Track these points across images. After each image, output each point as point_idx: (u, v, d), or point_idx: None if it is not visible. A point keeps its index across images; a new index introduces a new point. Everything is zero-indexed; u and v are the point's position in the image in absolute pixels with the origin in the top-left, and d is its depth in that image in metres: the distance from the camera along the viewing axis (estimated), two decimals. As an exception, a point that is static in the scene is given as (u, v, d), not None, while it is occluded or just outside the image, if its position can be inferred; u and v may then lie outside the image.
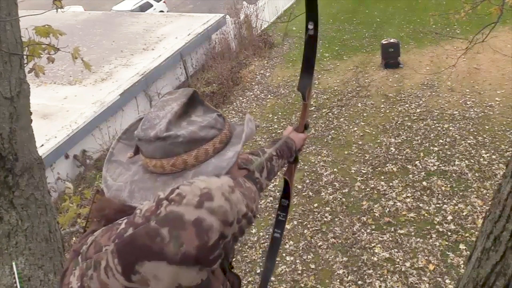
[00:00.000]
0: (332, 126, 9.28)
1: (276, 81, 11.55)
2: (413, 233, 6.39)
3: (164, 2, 18.77)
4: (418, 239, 6.27)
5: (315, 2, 1.55)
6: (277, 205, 1.86)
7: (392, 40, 11.15)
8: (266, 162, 1.62)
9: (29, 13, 2.91)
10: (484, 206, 6.62)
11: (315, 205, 7.21)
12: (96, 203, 1.06)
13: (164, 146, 0.98)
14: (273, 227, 1.85)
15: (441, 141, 8.29)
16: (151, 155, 1.00)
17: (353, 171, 7.83)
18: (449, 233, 6.29)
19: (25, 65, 2.31)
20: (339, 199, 7.26)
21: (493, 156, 7.69)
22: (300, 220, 6.95)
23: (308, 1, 1.56)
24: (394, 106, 9.63)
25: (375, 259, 6.07)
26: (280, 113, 10.09)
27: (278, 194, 7.57)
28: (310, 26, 1.61)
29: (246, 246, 6.64)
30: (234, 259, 6.63)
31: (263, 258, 6.38)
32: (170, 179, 0.99)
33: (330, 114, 9.73)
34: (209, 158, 1.02)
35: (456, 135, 8.38)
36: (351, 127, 9.15)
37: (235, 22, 13.41)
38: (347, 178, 7.70)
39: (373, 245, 6.30)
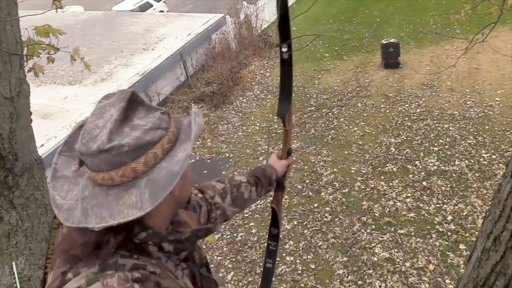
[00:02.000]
0: (332, 126, 9.28)
1: (276, 81, 11.54)
2: (413, 233, 6.39)
3: (164, 2, 18.77)
4: (418, 239, 6.27)
5: (287, 24, 1.47)
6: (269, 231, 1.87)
7: (392, 40, 11.15)
8: (232, 189, 1.60)
9: (29, 13, 2.91)
10: (484, 206, 6.62)
11: (315, 205, 7.20)
12: (59, 242, 1.03)
13: (109, 158, 0.93)
14: (264, 257, 1.82)
15: (441, 141, 8.29)
16: (97, 169, 0.96)
17: (353, 171, 7.83)
18: (449, 233, 6.29)
19: (25, 65, 2.31)
20: (339, 199, 7.26)
21: (493, 156, 7.69)
22: (300, 220, 6.95)
23: (280, 23, 1.46)
24: (394, 106, 9.63)
25: (375, 259, 6.07)
26: (280, 113, 10.08)
27: (278, 194, 7.56)
28: (284, 49, 1.52)
29: (246, 246, 6.64)
30: (234, 259, 6.64)
31: (263, 258, 6.38)
32: (122, 191, 0.95)
33: (330, 114, 9.73)
34: (160, 161, 0.98)
35: (456, 135, 8.38)
36: (351, 127, 9.15)
37: (235, 22, 13.41)
38: (347, 178, 7.70)
39: (373, 245, 6.30)
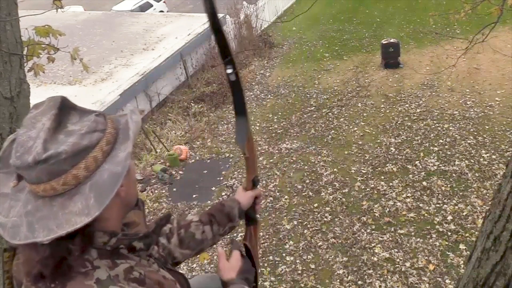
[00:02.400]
0: (332, 126, 9.28)
1: (276, 81, 11.55)
2: (413, 233, 6.38)
3: (164, 2, 18.77)
4: (418, 239, 6.27)
5: (227, 45, 1.39)
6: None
7: (392, 40, 11.15)
8: (179, 230, 1.48)
9: (29, 13, 2.91)
10: (484, 206, 6.62)
11: (315, 205, 7.20)
12: (23, 265, 1.01)
13: (47, 168, 0.91)
14: None
15: (441, 141, 8.29)
16: (36, 181, 0.93)
17: (353, 171, 7.83)
18: (449, 233, 6.29)
19: (25, 65, 2.31)
20: (339, 199, 7.26)
21: (493, 156, 7.69)
22: (300, 220, 6.95)
23: (220, 46, 1.39)
24: (394, 106, 9.63)
25: (375, 259, 6.06)
26: (280, 113, 10.09)
27: (278, 194, 7.57)
28: (229, 71, 1.41)
29: (246, 246, 6.64)
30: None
31: (263, 258, 6.38)
32: (66, 199, 0.93)
33: (330, 114, 9.73)
34: (101, 164, 0.96)
35: (456, 135, 8.38)
36: (351, 127, 9.15)
37: (235, 22, 13.41)
38: (347, 178, 7.70)
39: (373, 245, 6.29)
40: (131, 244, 1.06)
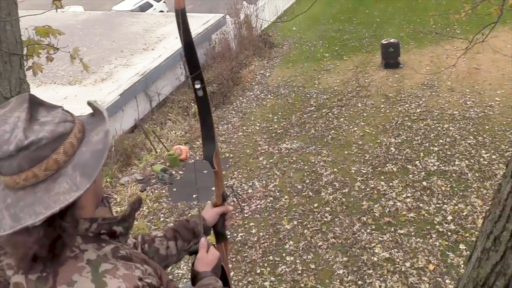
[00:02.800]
0: (332, 126, 9.28)
1: (276, 81, 11.55)
2: (413, 233, 6.38)
3: (164, 2, 18.77)
4: (418, 239, 6.27)
5: (197, 60, 1.42)
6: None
7: (392, 40, 11.15)
8: (142, 244, 1.50)
9: (29, 13, 2.91)
10: (484, 206, 6.62)
11: (315, 205, 7.20)
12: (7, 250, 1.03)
13: (29, 155, 0.94)
14: None
15: (441, 141, 8.29)
16: (18, 170, 0.96)
17: (353, 171, 7.83)
18: (449, 233, 6.29)
19: (25, 64, 2.31)
20: (339, 199, 7.25)
21: (493, 156, 7.69)
22: (300, 220, 6.95)
23: (190, 61, 1.41)
24: (394, 106, 9.63)
25: (375, 259, 6.06)
26: (280, 113, 10.09)
27: (278, 194, 7.57)
28: (197, 86, 1.44)
29: (246, 246, 6.64)
30: (234, 259, 6.64)
31: (263, 258, 6.38)
32: (50, 183, 0.97)
33: (330, 114, 9.73)
34: (77, 149, 1.01)
35: (456, 135, 8.38)
36: (351, 127, 9.15)
37: (235, 22, 13.41)
38: (347, 178, 7.70)
39: (373, 245, 6.29)
40: (111, 229, 1.10)
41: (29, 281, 1.00)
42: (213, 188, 1.70)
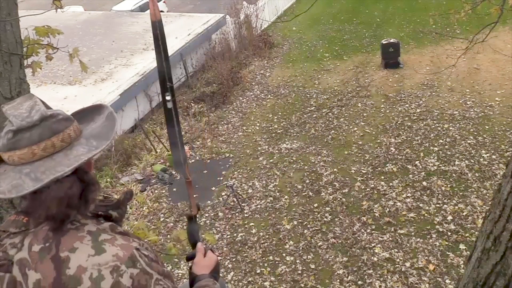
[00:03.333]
0: (332, 126, 9.28)
1: (276, 81, 11.55)
2: (413, 233, 6.38)
3: (164, 2, 18.77)
4: (418, 239, 6.27)
5: (169, 72, 1.46)
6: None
7: (392, 40, 11.15)
8: None
9: (29, 13, 2.91)
10: (484, 206, 6.62)
11: (315, 205, 7.20)
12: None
13: (50, 125, 1.08)
14: None
15: (441, 141, 8.29)
16: (39, 139, 1.06)
17: (353, 171, 7.83)
18: (449, 233, 6.29)
19: (25, 64, 2.31)
20: (339, 199, 7.25)
21: (493, 156, 7.69)
22: (300, 220, 6.95)
23: (164, 72, 1.45)
24: (394, 106, 9.63)
25: (375, 259, 6.06)
26: (280, 113, 10.09)
27: (278, 194, 7.57)
28: (168, 98, 1.49)
29: (246, 246, 6.64)
30: (234, 259, 6.62)
31: (263, 258, 6.38)
32: (67, 150, 1.09)
33: (330, 114, 9.73)
34: (81, 132, 1.16)
35: (456, 135, 8.38)
36: (351, 127, 9.15)
37: (235, 22, 13.40)
38: (347, 178, 7.70)
39: (373, 245, 6.29)
40: (107, 212, 1.20)
41: (32, 253, 1.07)
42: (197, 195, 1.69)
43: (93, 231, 1.10)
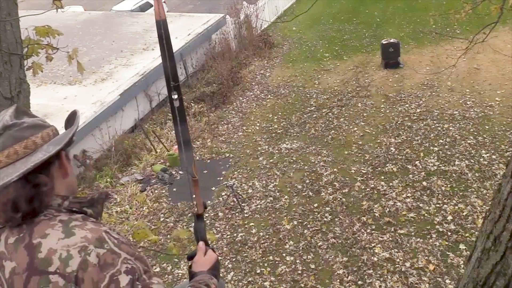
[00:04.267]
0: (332, 126, 9.28)
1: (276, 81, 11.55)
2: (413, 233, 6.38)
3: (164, 2, 18.74)
4: (418, 239, 6.27)
5: (175, 72, 1.46)
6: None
7: (392, 40, 11.15)
8: None
9: (29, 13, 2.91)
10: (484, 206, 6.62)
11: (315, 205, 7.20)
12: None
13: (12, 134, 1.16)
14: None
15: (441, 141, 8.29)
16: (1, 147, 1.15)
17: (353, 171, 7.83)
18: (449, 233, 6.29)
19: (25, 64, 2.31)
20: (339, 199, 7.25)
21: (493, 156, 7.69)
22: (300, 220, 6.95)
23: (170, 72, 1.45)
24: (394, 106, 9.63)
25: (375, 259, 6.06)
26: (280, 113, 10.09)
27: (278, 194, 7.57)
28: (174, 96, 1.48)
29: (246, 246, 6.64)
30: (234, 259, 6.61)
31: (263, 258, 6.38)
32: (28, 158, 1.16)
33: (330, 114, 9.72)
34: (52, 138, 1.22)
35: (456, 135, 8.38)
36: (351, 127, 9.15)
37: (235, 22, 13.40)
38: (347, 178, 7.70)
39: (373, 245, 6.29)
40: (82, 209, 1.24)
41: (8, 246, 1.16)
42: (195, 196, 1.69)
43: (64, 220, 1.16)
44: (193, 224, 1.66)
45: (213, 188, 7.99)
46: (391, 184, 7.39)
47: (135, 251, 1.18)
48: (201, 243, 1.55)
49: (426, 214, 6.68)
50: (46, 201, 1.18)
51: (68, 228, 1.14)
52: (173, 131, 9.83)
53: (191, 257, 1.54)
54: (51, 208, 1.19)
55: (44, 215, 1.17)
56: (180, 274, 6.24)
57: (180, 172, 8.71)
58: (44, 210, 1.18)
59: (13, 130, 1.16)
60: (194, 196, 1.67)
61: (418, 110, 9.34)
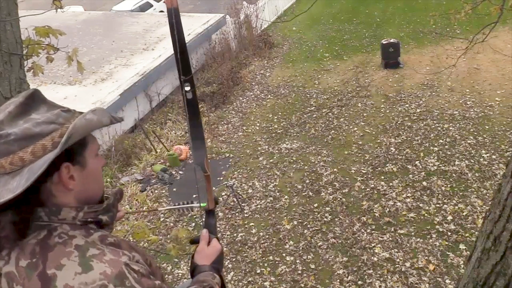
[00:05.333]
0: (332, 126, 9.28)
1: (276, 81, 11.55)
2: (413, 233, 6.38)
3: (164, 2, 18.74)
4: (418, 239, 6.27)
5: (189, 64, 1.38)
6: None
7: (392, 40, 11.15)
8: None
9: (29, 13, 2.91)
10: (484, 206, 6.62)
11: (315, 205, 7.20)
12: None
13: None
14: None
15: (441, 141, 8.29)
16: None
17: (353, 171, 7.83)
18: (449, 233, 6.29)
19: (25, 64, 2.31)
20: (339, 199, 7.25)
21: (493, 156, 7.69)
22: (300, 220, 6.95)
23: (183, 64, 1.37)
24: (394, 106, 9.63)
25: (375, 259, 6.06)
26: (280, 113, 10.09)
27: (278, 194, 7.57)
28: (187, 88, 1.40)
29: (246, 246, 6.64)
30: (234, 259, 6.62)
31: (263, 258, 6.38)
32: (10, 178, 1.02)
33: (330, 114, 9.73)
34: (48, 153, 1.02)
35: (456, 135, 8.38)
36: (351, 127, 9.15)
37: (235, 22, 13.40)
38: (347, 178, 7.70)
39: (373, 245, 6.29)
40: (97, 217, 1.13)
41: (19, 268, 1.04)
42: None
43: (81, 246, 1.04)
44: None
45: (213, 188, 7.97)
46: (391, 184, 7.39)
47: (156, 282, 1.11)
48: (204, 231, 1.48)
49: (426, 214, 6.68)
50: (52, 240, 1.05)
51: (85, 259, 1.02)
52: (173, 131, 9.86)
53: (194, 242, 1.48)
54: (65, 223, 1.07)
55: (58, 236, 1.05)
56: (180, 274, 6.25)
57: (180, 172, 8.71)
58: (57, 226, 1.06)
59: None
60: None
61: (418, 110, 9.34)
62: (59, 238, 1.05)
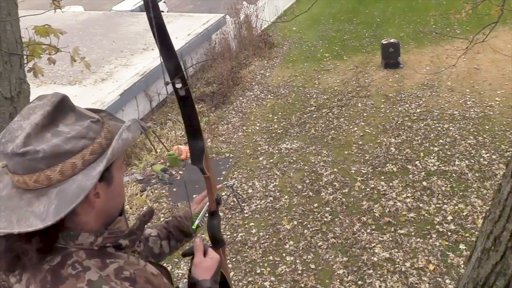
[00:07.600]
0: (332, 126, 9.28)
1: (276, 81, 11.55)
2: (413, 233, 6.38)
3: (164, 2, 18.76)
4: (418, 239, 6.27)
5: (175, 57, 1.26)
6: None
7: (392, 40, 11.15)
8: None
9: (29, 13, 2.91)
10: (484, 206, 6.62)
11: (315, 205, 7.20)
12: None
13: (23, 162, 0.91)
14: None
15: (441, 141, 8.29)
16: (13, 171, 0.93)
17: (353, 171, 7.83)
18: (449, 233, 6.29)
19: (25, 65, 2.31)
20: (339, 199, 7.25)
21: (493, 156, 7.69)
22: (300, 220, 6.95)
23: (170, 64, 1.24)
24: (394, 106, 9.63)
25: (375, 259, 6.06)
26: (280, 113, 10.09)
27: (278, 194, 7.57)
28: (178, 85, 1.26)
29: (246, 246, 6.64)
30: (234, 259, 6.62)
31: (263, 258, 6.38)
32: (34, 197, 0.93)
33: (330, 114, 9.73)
34: (78, 172, 0.94)
35: (456, 135, 8.38)
36: (351, 127, 9.15)
37: (235, 22, 13.41)
38: (347, 178, 7.70)
39: (373, 245, 6.29)
40: (117, 242, 1.05)
41: None
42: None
43: (94, 281, 0.96)
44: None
45: (217, 186, 7.97)
46: (391, 184, 7.39)
47: None
48: (197, 240, 1.37)
49: (426, 214, 6.68)
50: (65, 271, 0.97)
51: None
52: (173, 131, 9.86)
53: (187, 254, 1.41)
54: (82, 248, 1.00)
55: (72, 266, 0.97)
56: (180, 274, 6.24)
57: (180, 172, 8.72)
58: (73, 252, 0.99)
59: (24, 158, 0.91)
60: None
61: (418, 110, 9.34)
62: (73, 269, 0.97)
